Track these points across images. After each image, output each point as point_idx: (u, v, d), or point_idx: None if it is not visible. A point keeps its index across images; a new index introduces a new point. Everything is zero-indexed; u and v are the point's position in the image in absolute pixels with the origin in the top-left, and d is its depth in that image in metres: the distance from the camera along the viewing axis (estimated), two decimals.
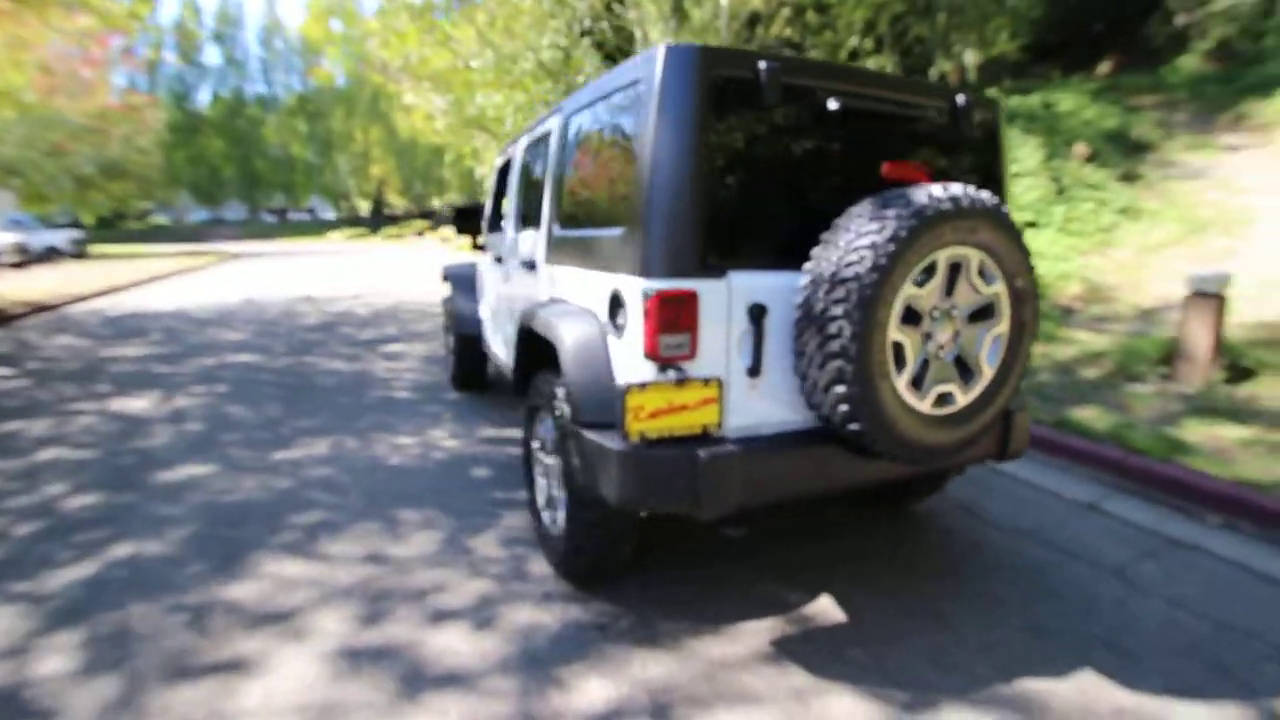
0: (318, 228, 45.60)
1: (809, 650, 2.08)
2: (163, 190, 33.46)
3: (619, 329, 1.96)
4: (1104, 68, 17.03)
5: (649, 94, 1.81)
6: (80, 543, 2.71)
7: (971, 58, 14.27)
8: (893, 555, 2.70)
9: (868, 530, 2.91)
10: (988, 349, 1.93)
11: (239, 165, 43.10)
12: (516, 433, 4.14)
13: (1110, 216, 8.26)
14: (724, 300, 1.84)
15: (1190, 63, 14.95)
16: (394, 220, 44.14)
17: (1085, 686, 1.95)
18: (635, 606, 2.28)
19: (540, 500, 2.61)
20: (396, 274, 17.05)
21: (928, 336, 1.84)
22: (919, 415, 1.83)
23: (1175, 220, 8.10)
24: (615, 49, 12.15)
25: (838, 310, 1.68)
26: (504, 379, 5.41)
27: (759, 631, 2.17)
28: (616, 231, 1.95)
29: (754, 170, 1.90)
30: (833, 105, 1.93)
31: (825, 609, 2.31)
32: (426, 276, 16.57)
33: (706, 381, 1.83)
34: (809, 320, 1.76)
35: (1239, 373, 4.21)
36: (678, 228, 1.79)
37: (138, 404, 4.75)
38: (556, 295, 2.50)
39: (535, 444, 2.63)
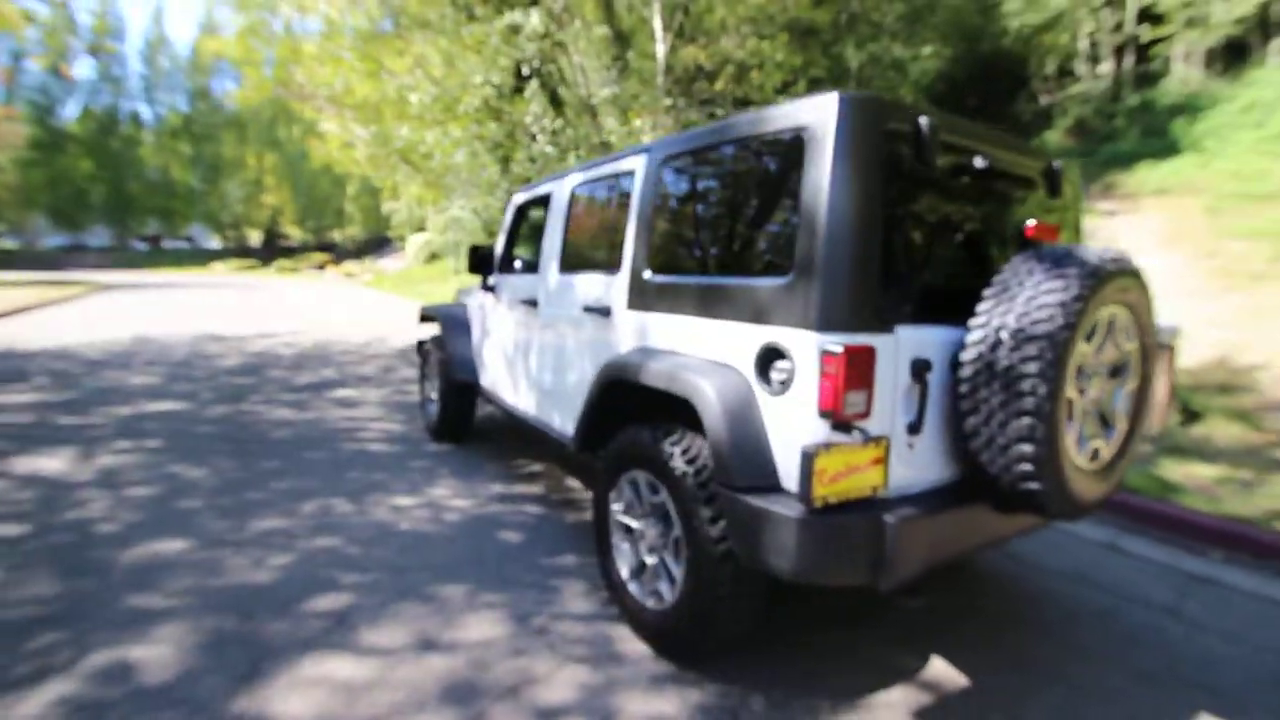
0: (198, 257, 41.87)
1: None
2: (15, 212, 29.49)
3: (775, 385, 1.83)
4: None
5: (822, 141, 1.73)
6: (40, 650, 2.14)
7: None
8: (976, 609, 2.68)
9: (932, 586, 2.88)
10: (1122, 404, 1.97)
11: (109, 188, 38.93)
12: (528, 488, 3.83)
13: None
14: (892, 355, 1.76)
15: (1054, 138, 17.07)
16: (289, 252, 41.40)
17: None
18: (754, 684, 2.09)
19: (623, 571, 2.37)
20: (306, 311, 15.87)
21: (1082, 392, 1.84)
22: (1080, 470, 1.82)
23: None
24: (555, 90, 12.17)
25: (1030, 368, 1.65)
26: (493, 427, 5.07)
27: (894, 704, 2.04)
28: (773, 281, 1.84)
29: (910, 224, 1.86)
30: (980, 163, 1.94)
31: (943, 673, 2.22)
32: (343, 314, 15.54)
33: (878, 441, 1.72)
34: (991, 376, 1.71)
35: (1190, 416, 4.66)
36: (858, 281, 1.70)
37: (51, 464, 3.97)
38: (649, 345, 2.32)
39: (616, 506, 2.40)
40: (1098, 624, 2.60)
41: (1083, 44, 17.85)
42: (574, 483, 3.96)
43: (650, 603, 2.22)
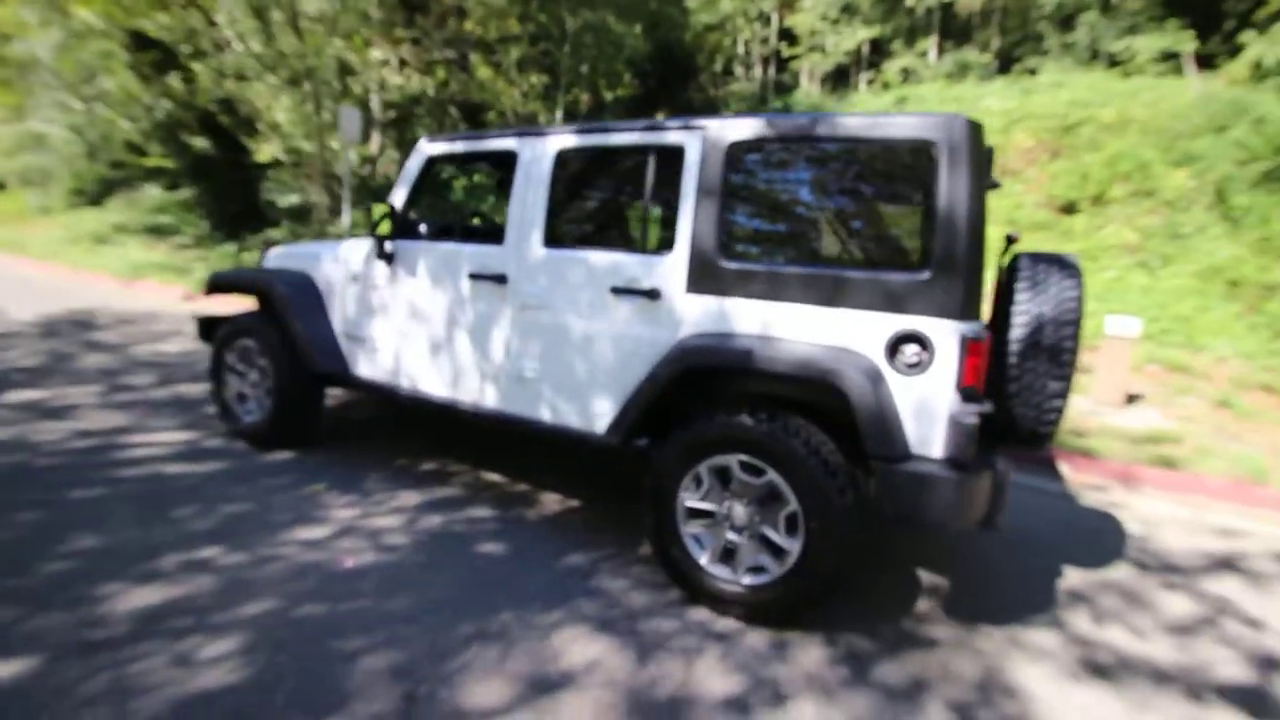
0: None
1: (961, 610, 2.57)
2: None
3: (903, 366, 2.07)
4: (659, 118, 21.40)
5: (956, 155, 1.99)
6: None
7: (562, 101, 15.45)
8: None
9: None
10: None
11: None
12: (448, 491, 3.34)
13: None
14: None
15: None
16: None
17: (1073, 578, 2.97)
18: (843, 626, 2.37)
19: (701, 557, 2.38)
20: None
21: None
22: None
23: None
24: None
25: (1069, 344, 2.23)
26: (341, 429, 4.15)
27: (934, 610, 2.56)
28: (909, 275, 2.05)
29: None
30: (996, 183, 2.44)
31: (939, 581, 2.83)
32: None
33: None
34: (1037, 351, 2.26)
35: None
36: (979, 277, 2.05)
37: None
38: (731, 330, 2.32)
39: (689, 494, 2.39)
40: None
41: (741, 50, 21.38)
42: (494, 476, 3.58)
43: (748, 579, 2.30)
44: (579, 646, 2.15)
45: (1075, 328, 2.27)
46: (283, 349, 3.50)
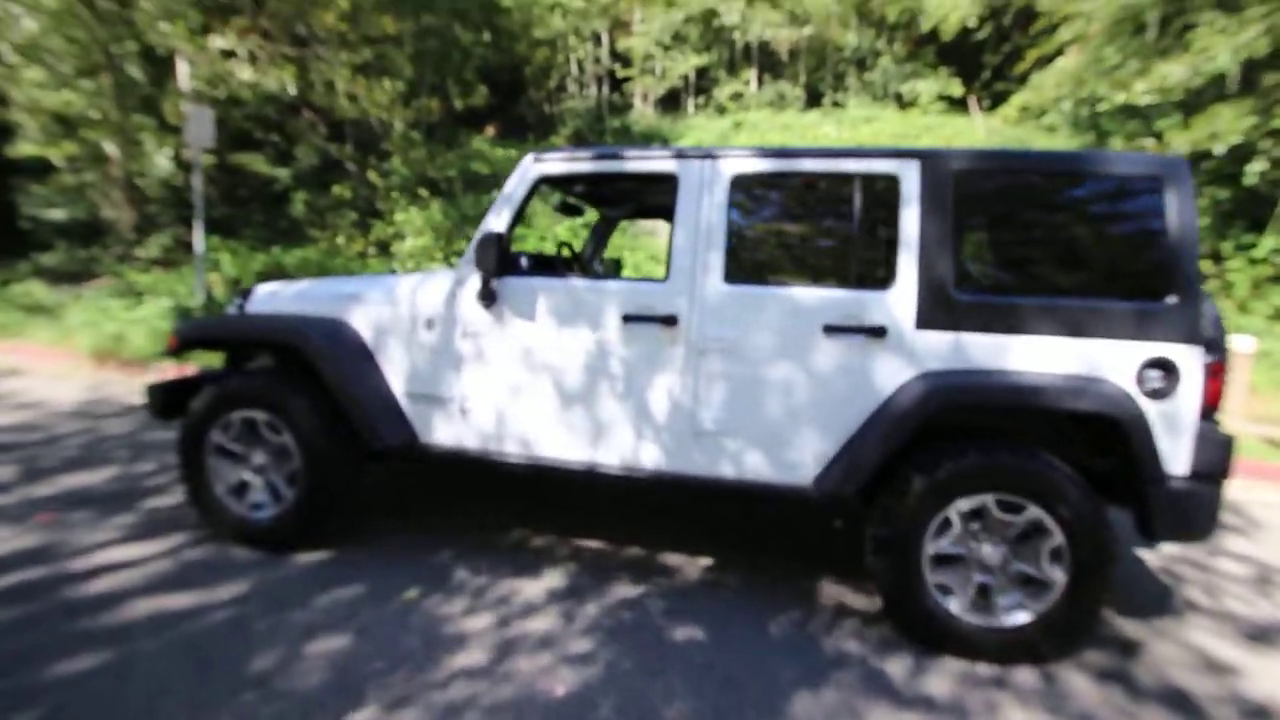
0: None
1: None
2: None
3: (1148, 390, 2.18)
4: (490, 131, 20.88)
5: (1184, 189, 2.15)
6: None
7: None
8: None
9: None
10: None
11: None
12: (565, 571, 2.82)
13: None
14: None
15: (559, 142, 20.21)
16: None
17: None
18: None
19: (952, 605, 2.28)
20: None
21: None
22: None
23: None
24: None
25: None
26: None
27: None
28: (1155, 304, 2.15)
29: None
30: None
31: None
32: None
33: None
34: None
35: None
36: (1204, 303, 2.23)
37: None
38: (964, 366, 2.24)
39: (940, 540, 2.28)
40: None
41: (575, 69, 21.48)
42: (591, 543, 3.10)
43: (1010, 621, 2.25)
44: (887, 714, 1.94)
45: None
46: (315, 419, 2.70)
